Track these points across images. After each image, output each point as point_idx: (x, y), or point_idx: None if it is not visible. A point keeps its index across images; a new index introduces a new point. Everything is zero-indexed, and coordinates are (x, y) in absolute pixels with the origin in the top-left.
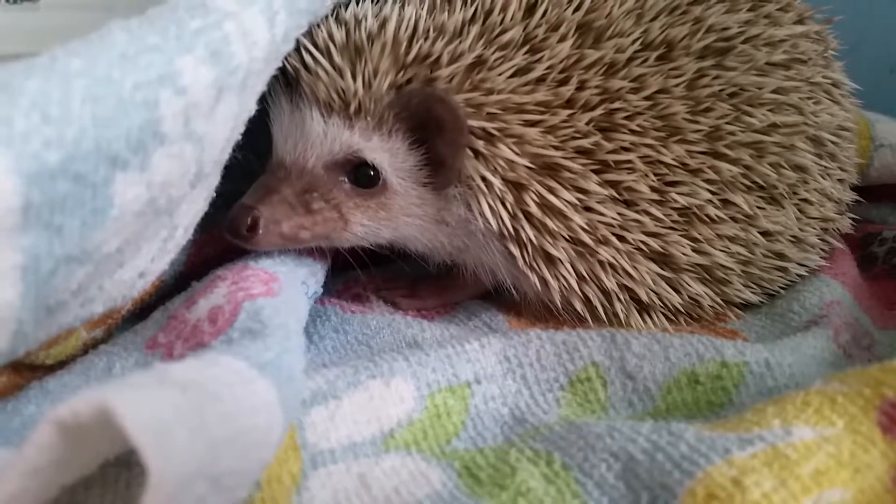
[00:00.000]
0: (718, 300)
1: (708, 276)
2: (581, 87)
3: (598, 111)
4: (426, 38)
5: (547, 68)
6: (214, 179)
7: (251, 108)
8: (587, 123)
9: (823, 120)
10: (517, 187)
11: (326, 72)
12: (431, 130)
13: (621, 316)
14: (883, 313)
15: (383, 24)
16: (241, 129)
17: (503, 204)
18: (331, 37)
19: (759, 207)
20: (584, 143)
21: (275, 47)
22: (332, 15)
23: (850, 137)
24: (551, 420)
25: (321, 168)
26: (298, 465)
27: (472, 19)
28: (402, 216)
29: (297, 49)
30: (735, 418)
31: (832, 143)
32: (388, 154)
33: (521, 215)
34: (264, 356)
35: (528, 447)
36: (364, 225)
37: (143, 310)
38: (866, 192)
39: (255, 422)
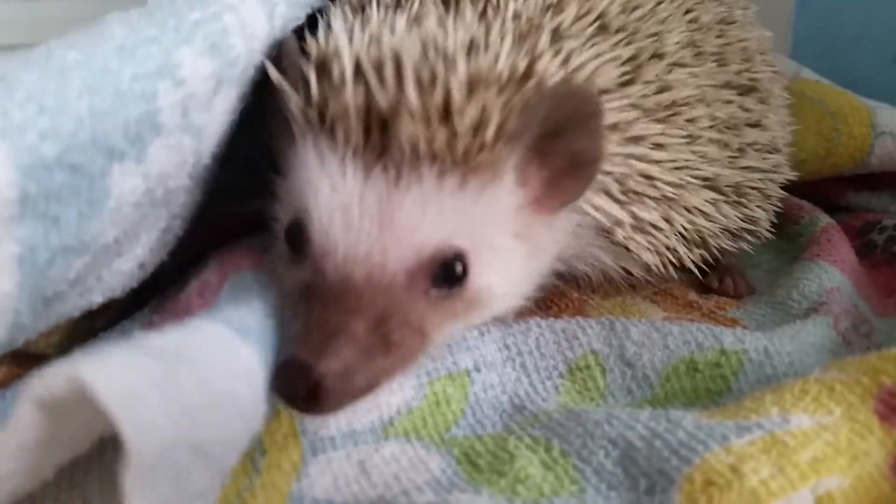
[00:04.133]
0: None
1: (737, 198)
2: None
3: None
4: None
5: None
6: (214, 171)
7: (249, 99)
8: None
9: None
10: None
11: (413, 111)
12: (565, 130)
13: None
14: (882, 301)
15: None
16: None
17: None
18: (397, 58)
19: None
20: (659, 94)
21: (273, 39)
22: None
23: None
24: (550, 408)
25: (403, 277)
26: (298, 452)
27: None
28: (498, 291)
29: (320, 77)
30: (733, 406)
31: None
32: (493, 214)
33: (626, 196)
34: (247, 321)
35: (526, 434)
36: (447, 335)
37: (141, 299)
38: (867, 180)
39: (235, 387)
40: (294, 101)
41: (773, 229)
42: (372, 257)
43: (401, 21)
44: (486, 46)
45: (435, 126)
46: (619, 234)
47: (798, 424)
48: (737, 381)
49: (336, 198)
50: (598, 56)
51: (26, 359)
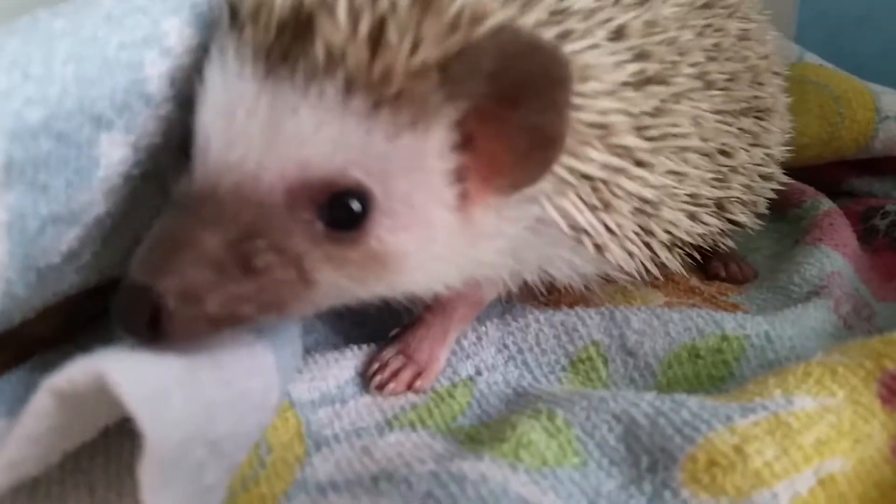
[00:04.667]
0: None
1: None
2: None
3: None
4: None
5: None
6: None
7: None
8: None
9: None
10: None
11: (334, 25)
12: (523, 95)
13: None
14: (882, 285)
15: None
16: None
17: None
18: None
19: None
20: (655, 117)
21: None
22: None
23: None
24: (555, 390)
25: (280, 195)
26: (303, 447)
27: None
28: (412, 261)
29: None
30: (736, 390)
31: None
32: (413, 166)
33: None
34: None
35: (530, 407)
36: (338, 287)
37: None
38: (870, 165)
39: (253, 386)
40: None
41: (773, 213)
42: (244, 165)
43: None
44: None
45: (360, 37)
46: (588, 241)
47: (801, 406)
48: (739, 366)
49: (224, 97)
50: (600, 48)
51: (31, 342)
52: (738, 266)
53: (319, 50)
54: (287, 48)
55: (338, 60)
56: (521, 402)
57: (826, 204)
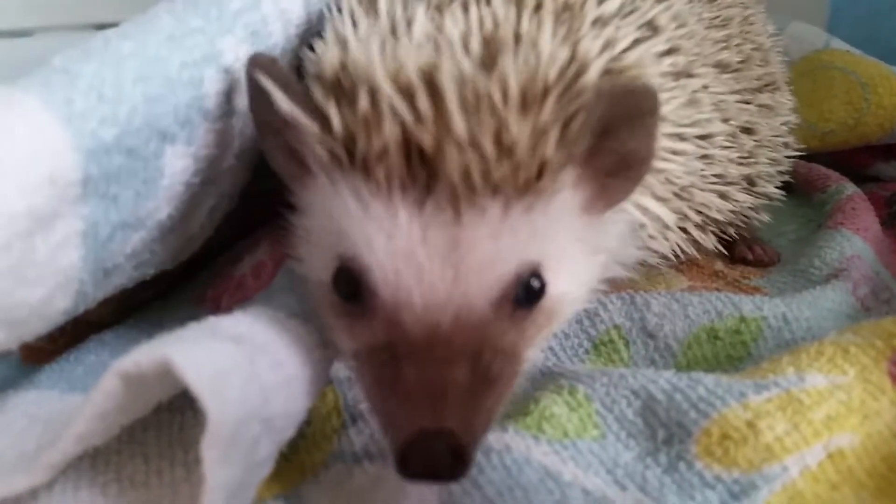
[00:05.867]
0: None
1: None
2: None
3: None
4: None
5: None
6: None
7: None
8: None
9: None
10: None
11: (461, 142)
12: (623, 127)
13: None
14: None
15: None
16: None
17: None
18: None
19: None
20: (684, 108)
21: (309, 25)
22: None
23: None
24: (577, 368)
25: (488, 310)
26: (340, 421)
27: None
28: (572, 298)
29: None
30: (751, 368)
31: None
32: (560, 225)
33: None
34: (301, 305)
35: (552, 383)
36: (536, 351)
37: (191, 270)
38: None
39: (302, 368)
40: (313, 133)
41: (799, 198)
42: (454, 301)
43: (420, 21)
44: (527, 41)
45: (489, 154)
46: (645, 231)
47: (813, 383)
48: (756, 347)
49: (395, 246)
50: (641, 44)
51: (86, 326)
52: (762, 249)
53: (457, 178)
54: (427, 179)
55: (478, 181)
56: (544, 380)
57: (850, 189)
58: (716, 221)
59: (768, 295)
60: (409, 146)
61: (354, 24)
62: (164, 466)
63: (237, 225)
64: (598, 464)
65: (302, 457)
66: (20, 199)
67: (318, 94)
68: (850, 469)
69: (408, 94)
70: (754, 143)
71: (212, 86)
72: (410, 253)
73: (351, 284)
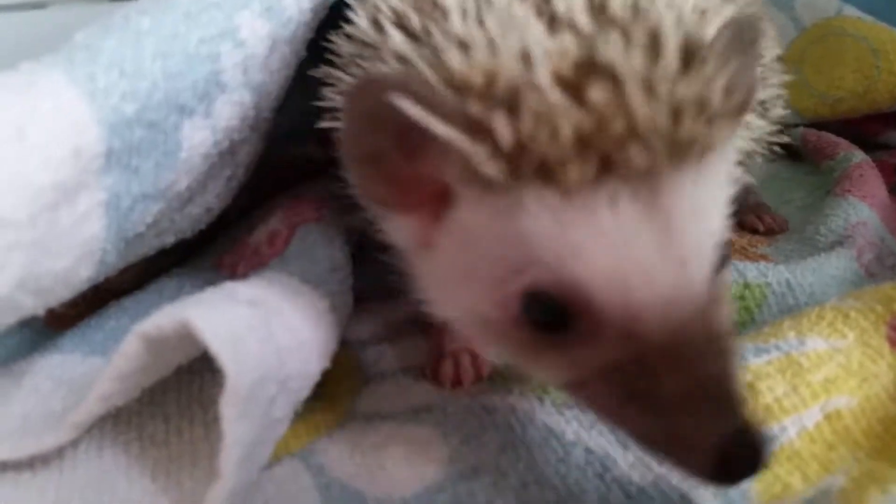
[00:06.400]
0: None
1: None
2: None
3: None
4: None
5: None
6: (272, 120)
7: (301, 54)
8: None
9: None
10: None
11: (646, 132)
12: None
13: None
14: None
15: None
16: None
17: None
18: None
19: None
20: None
21: None
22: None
23: None
24: None
25: (709, 284)
26: (354, 383)
27: None
28: None
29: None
30: (753, 333)
31: None
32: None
33: None
34: (315, 272)
35: None
36: None
37: (208, 238)
38: None
39: (315, 331)
40: (478, 152)
41: (808, 165)
42: (687, 290)
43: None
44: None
45: (672, 126)
46: None
47: (813, 347)
48: (760, 312)
49: (610, 250)
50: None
51: (105, 292)
52: (772, 218)
53: (646, 156)
54: (617, 169)
55: (672, 152)
56: None
57: (858, 156)
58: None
59: (774, 262)
60: (592, 140)
61: (438, 19)
62: (183, 426)
63: (251, 194)
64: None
65: (317, 416)
66: (46, 173)
67: (471, 106)
68: (846, 429)
69: (574, 87)
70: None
71: (228, 60)
72: (628, 254)
73: (553, 311)
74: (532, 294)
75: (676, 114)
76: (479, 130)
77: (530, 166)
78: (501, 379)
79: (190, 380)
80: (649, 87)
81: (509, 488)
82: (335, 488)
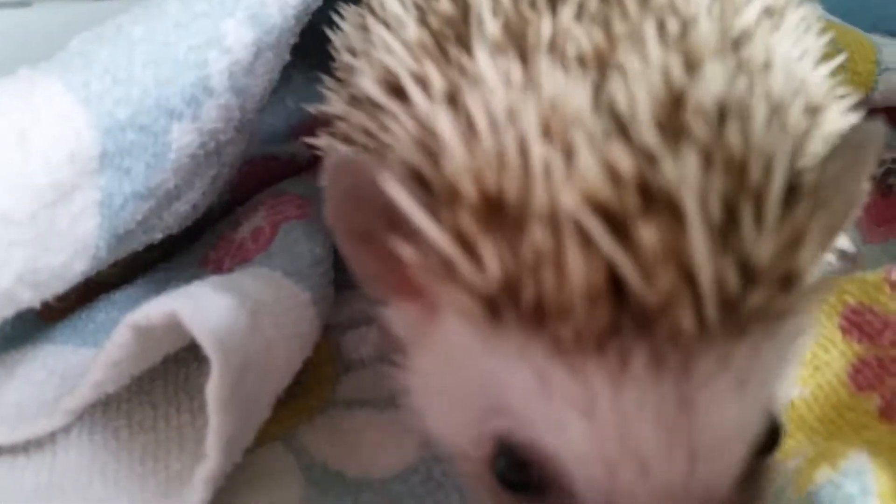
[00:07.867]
0: None
1: None
2: None
3: None
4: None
5: None
6: (256, 121)
7: (285, 58)
8: None
9: None
10: None
11: (702, 268)
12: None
13: None
14: (871, 229)
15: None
16: (277, 77)
17: None
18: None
19: None
20: None
21: (305, 6)
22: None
23: None
24: None
25: (734, 480)
26: (333, 370)
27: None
28: None
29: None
30: None
31: None
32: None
33: None
34: (297, 266)
35: None
36: None
37: (193, 233)
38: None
39: (300, 325)
40: (461, 275)
41: None
42: (691, 487)
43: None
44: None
45: (738, 282)
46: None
47: None
48: None
49: (599, 429)
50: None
51: (95, 285)
52: None
53: (691, 316)
54: (638, 330)
55: (727, 314)
56: None
57: None
58: None
59: None
60: (615, 289)
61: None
62: (171, 413)
63: (235, 191)
64: None
65: (299, 402)
66: (46, 175)
67: (460, 219)
68: (801, 417)
69: (613, 217)
70: None
71: (215, 66)
72: (623, 436)
73: (521, 472)
74: (503, 445)
75: (751, 275)
76: (464, 244)
77: (518, 307)
78: None
79: (176, 369)
80: (723, 233)
81: None
82: (317, 469)
